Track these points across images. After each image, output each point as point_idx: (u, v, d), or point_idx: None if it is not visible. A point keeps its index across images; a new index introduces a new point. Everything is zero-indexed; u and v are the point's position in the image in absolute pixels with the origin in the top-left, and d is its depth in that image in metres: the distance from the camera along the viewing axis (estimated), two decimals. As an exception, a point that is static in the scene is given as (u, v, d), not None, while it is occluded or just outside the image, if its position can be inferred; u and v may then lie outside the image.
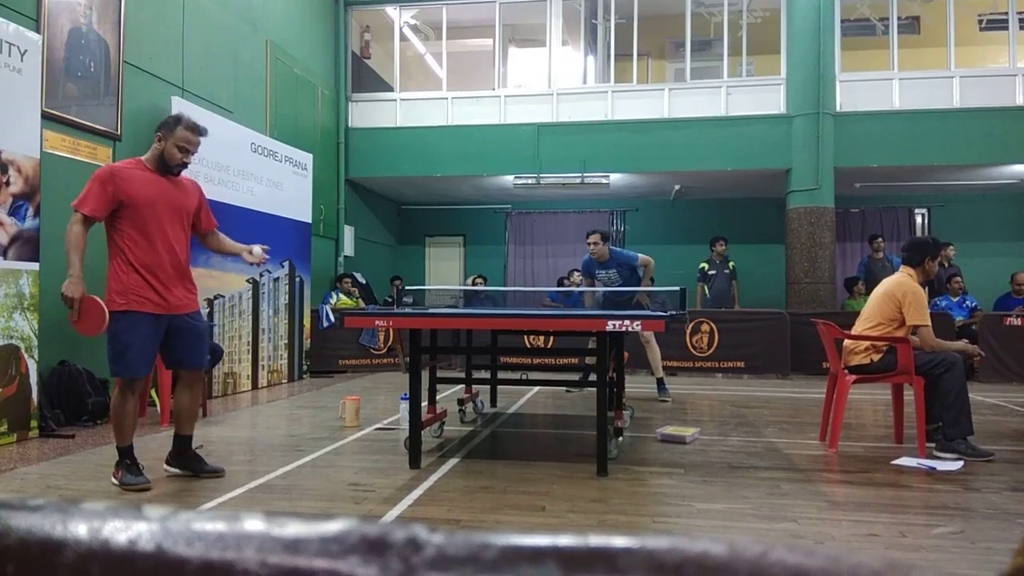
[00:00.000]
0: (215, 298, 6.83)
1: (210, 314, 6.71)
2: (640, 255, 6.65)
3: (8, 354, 4.57)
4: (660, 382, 6.74)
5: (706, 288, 9.90)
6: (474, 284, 10.33)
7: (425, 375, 4.26)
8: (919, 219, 12.03)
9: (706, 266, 9.98)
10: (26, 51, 4.78)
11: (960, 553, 2.67)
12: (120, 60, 6.10)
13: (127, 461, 3.55)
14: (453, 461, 4.13)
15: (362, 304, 9.62)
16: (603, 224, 12.39)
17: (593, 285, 6.78)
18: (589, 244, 6.58)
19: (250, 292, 7.42)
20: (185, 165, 3.61)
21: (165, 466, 3.77)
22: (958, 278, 9.29)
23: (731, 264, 9.97)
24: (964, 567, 2.53)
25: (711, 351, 8.82)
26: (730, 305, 9.75)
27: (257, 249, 3.91)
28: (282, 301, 8.04)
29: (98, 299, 3.37)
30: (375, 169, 10.66)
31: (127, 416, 3.53)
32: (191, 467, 3.73)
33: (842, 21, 9.87)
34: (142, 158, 3.61)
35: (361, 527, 0.31)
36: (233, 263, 7.12)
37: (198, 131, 3.60)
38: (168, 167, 3.57)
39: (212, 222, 3.91)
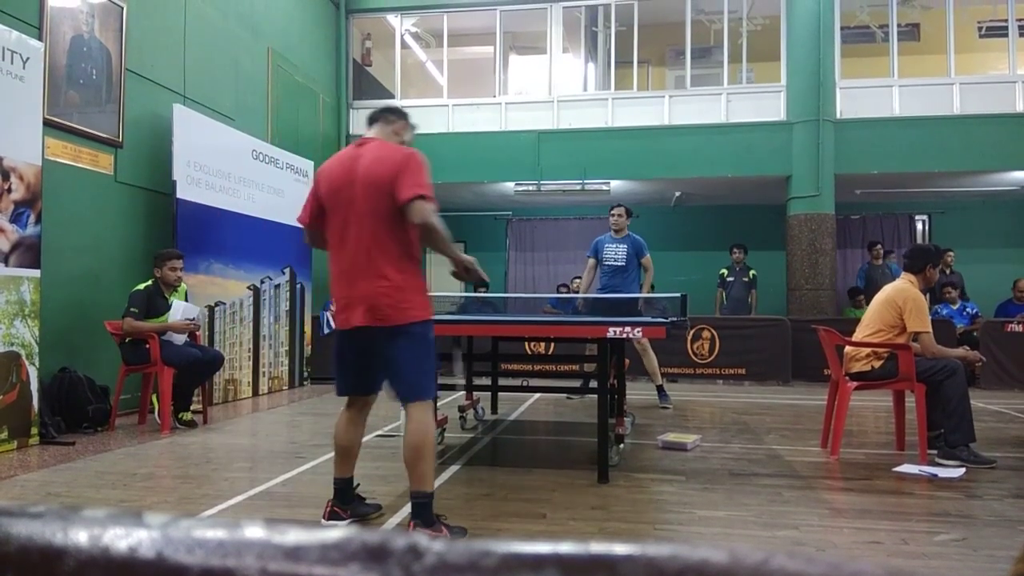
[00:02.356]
0: (216, 305, 6.84)
1: (211, 320, 6.72)
2: (648, 254, 6.78)
3: (9, 361, 4.57)
4: (660, 389, 6.72)
5: (723, 294, 9.92)
6: (476, 290, 10.34)
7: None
8: (920, 226, 12.04)
9: (725, 272, 10.00)
10: (28, 59, 4.79)
11: (962, 560, 2.66)
12: (122, 67, 6.12)
13: (438, 515, 2.92)
14: (454, 468, 4.12)
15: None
16: (603, 231, 12.39)
17: (596, 268, 6.85)
18: (613, 215, 6.81)
19: (251, 299, 7.43)
20: None
21: (327, 521, 3.05)
22: (949, 288, 9.23)
23: (752, 273, 9.96)
24: (966, 574, 2.52)
25: (712, 358, 8.81)
26: (746, 313, 9.74)
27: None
28: (283, 308, 8.05)
29: None
30: (376, 176, 10.66)
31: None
32: (359, 511, 3.15)
33: (842, 28, 9.90)
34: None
35: (361, 534, 0.31)
36: (234, 270, 7.13)
37: None
38: None
39: None
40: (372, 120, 3.05)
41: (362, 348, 2.89)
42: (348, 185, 2.81)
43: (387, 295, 2.74)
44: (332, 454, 4.48)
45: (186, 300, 5.72)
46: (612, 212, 6.85)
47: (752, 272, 9.96)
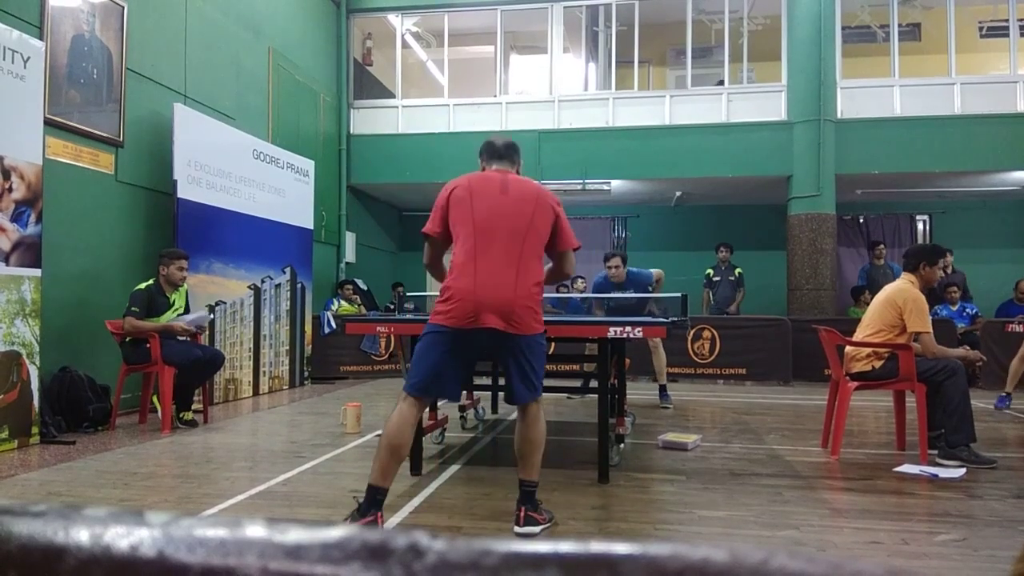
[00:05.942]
0: (216, 304, 6.84)
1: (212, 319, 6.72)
2: (653, 271, 6.62)
3: (9, 360, 4.57)
4: (663, 388, 6.73)
5: (711, 294, 9.92)
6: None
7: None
8: (920, 226, 12.03)
9: (711, 272, 10.00)
10: (29, 58, 4.79)
11: (963, 560, 2.66)
12: (123, 67, 6.12)
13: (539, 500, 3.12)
14: (454, 468, 4.12)
15: (363, 310, 9.62)
16: (604, 231, 12.40)
17: (603, 306, 6.69)
18: (610, 268, 6.45)
19: (252, 298, 7.43)
20: None
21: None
22: (953, 287, 9.23)
23: (737, 271, 9.93)
24: (967, 575, 2.52)
25: (713, 358, 8.80)
26: (732, 312, 9.74)
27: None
28: (283, 307, 8.05)
29: None
30: (377, 176, 10.68)
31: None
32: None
33: (843, 28, 9.89)
34: None
35: (362, 534, 0.31)
36: (235, 269, 7.13)
37: None
38: None
39: None
40: (498, 155, 3.36)
41: (475, 351, 3.09)
42: (503, 202, 3.10)
43: (528, 309, 3.03)
44: (333, 453, 4.50)
45: (187, 300, 5.74)
46: (608, 264, 6.48)
47: (738, 270, 9.91)
